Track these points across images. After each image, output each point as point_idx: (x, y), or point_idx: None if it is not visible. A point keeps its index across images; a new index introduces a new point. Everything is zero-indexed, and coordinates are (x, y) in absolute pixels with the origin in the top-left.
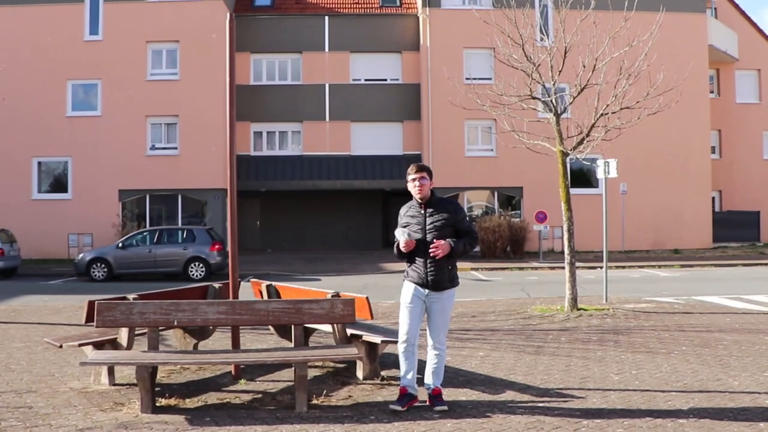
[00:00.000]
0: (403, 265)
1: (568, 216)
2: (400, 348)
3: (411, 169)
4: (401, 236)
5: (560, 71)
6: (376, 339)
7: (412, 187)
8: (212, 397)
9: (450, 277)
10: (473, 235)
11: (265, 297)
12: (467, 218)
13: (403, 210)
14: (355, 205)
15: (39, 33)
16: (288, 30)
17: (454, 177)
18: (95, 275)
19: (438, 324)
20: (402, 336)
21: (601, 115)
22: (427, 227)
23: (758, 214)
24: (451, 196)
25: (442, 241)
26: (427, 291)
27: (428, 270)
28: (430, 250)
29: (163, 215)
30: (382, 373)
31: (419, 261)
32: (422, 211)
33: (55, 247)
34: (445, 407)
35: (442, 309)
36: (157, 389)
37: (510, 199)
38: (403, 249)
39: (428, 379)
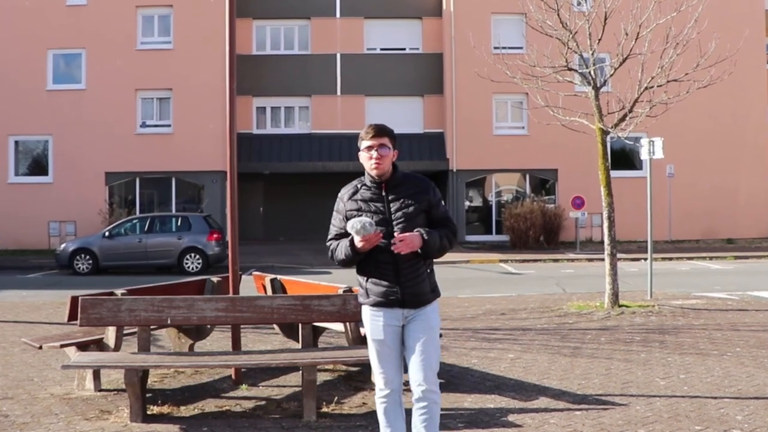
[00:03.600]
0: None
1: (609, 202)
2: (379, 403)
3: (365, 131)
4: (356, 228)
5: (599, 39)
6: None
7: (366, 159)
8: (210, 405)
9: (432, 285)
10: (452, 227)
11: (269, 292)
12: (443, 203)
13: (345, 193)
14: None
15: None
16: None
17: (480, 158)
18: (79, 268)
19: (424, 355)
20: (380, 386)
21: (646, 88)
22: (394, 216)
23: None
24: (478, 179)
25: (407, 233)
26: (402, 311)
27: (402, 279)
28: (392, 245)
29: (155, 201)
30: None
31: (384, 270)
32: (382, 194)
33: (34, 237)
34: None
35: (428, 329)
36: (148, 395)
37: (543, 183)
38: (359, 246)
39: None
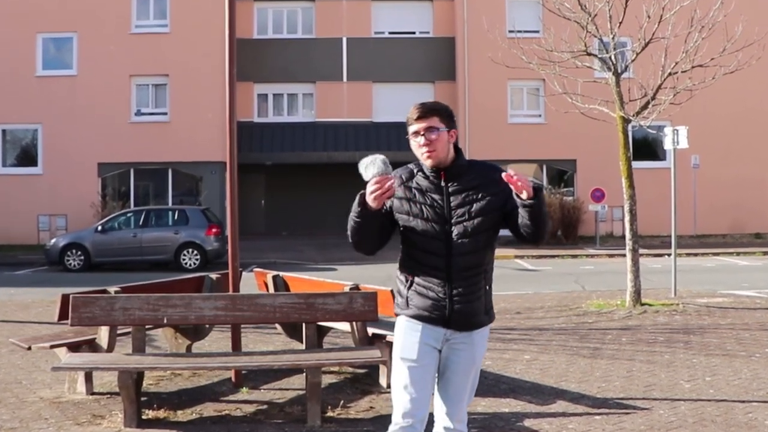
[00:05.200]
0: None
1: (630, 194)
2: None
3: (409, 113)
4: (365, 164)
5: (620, 22)
6: None
7: (416, 147)
8: (209, 409)
9: (487, 305)
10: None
11: (271, 290)
12: None
13: (397, 177)
14: None
15: None
16: None
17: (494, 147)
18: (70, 264)
19: (461, 388)
20: (397, 418)
21: (669, 74)
22: (453, 212)
23: None
24: None
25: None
26: (446, 332)
27: (453, 291)
28: (510, 173)
29: (151, 193)
30: None
31: (433, 277)
32: (442, 184)
33: (23, 231)
34: None
35: (471, 361)
36: (143, 399)
37: (561, 174)
38: (371, 197)
39: None
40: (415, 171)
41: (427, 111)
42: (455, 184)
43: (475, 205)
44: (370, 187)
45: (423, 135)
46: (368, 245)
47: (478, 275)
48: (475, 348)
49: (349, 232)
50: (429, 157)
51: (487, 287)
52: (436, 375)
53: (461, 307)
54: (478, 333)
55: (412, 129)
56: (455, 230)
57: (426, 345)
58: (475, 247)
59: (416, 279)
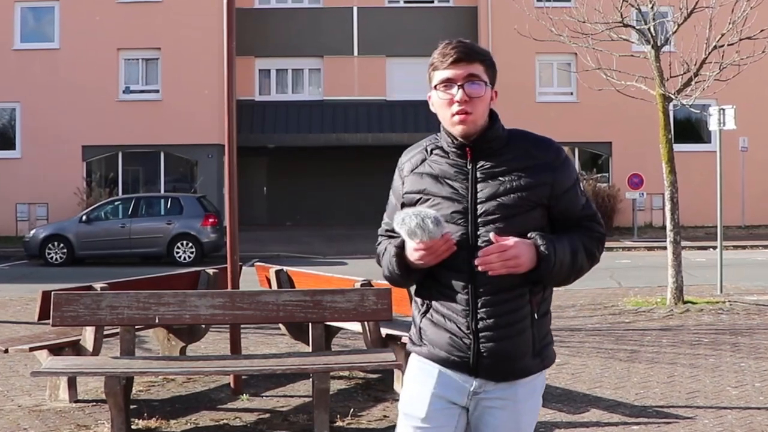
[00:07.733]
0: None
1: (671, 180)
2: None
3: (439, 54)
4: (409, 227)
5: None
6: None
7: (443, 105)
8: (205, 418)
9: (539, 342)
10: (597, 229)
11: (275, 286)
12: (582, 185)
13: (407, 161)
14: (391, 165)
15: None
16: None
17: (522, 128)
18: (52, 258)
19: None
20: None
21: (714, 47)
22: (481, 208)
23: None
24: None
25: (510, 239)
26: (474, 382)
27: (479, 323)
28: (476, 260)
29: (141, 179)
30: None
31: (452, 300)
32: (467, 166)
33: (0, 221)
34: None
35: (513, 429)
36: (132, 407)
37: (595, 159)
38: (415, 258)
39: None
40: (428, 150)
41: (469, 52)
42: (487, 165)
43: (512, 195)
44: (414, 253)
45: (461, 87)
46: (405, 286)
47: (519, 298)
48: (519, 407)
49: (384, 277)
50: (463, 121)
51: (536, 315)
52: None
53: (493, 347)
54: (525, 385)
55: (441, 76)
56: (482, 230)
57: (441, 399)
58: None
59: (433, 303)
